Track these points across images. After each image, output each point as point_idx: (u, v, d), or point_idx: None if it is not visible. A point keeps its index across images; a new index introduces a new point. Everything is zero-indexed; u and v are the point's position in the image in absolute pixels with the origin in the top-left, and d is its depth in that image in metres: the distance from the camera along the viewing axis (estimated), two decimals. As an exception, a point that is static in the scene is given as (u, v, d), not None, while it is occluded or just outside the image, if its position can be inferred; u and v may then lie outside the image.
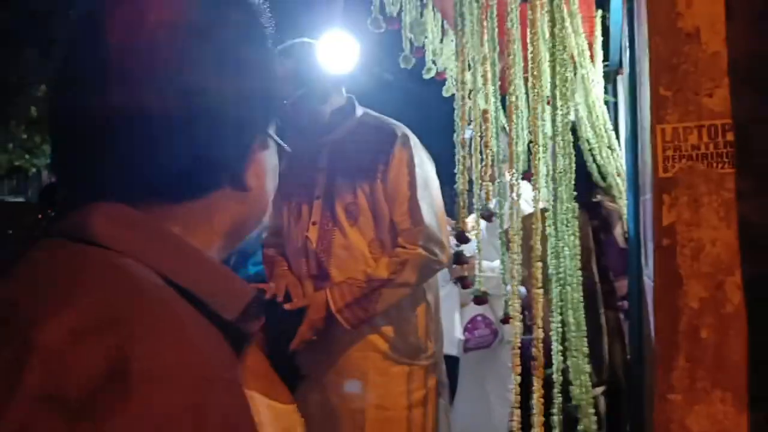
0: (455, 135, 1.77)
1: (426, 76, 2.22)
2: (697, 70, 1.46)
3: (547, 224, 1.69)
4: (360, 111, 2.15)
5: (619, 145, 2.63)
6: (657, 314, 1.50)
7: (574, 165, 1.75)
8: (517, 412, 1.58)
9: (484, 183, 1.73)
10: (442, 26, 2.30)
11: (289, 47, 2.01)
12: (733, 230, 1.44)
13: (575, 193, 1.76)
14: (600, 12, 2.85)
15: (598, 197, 2.38)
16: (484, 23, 1.82)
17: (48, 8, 12.78)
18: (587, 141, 2.41)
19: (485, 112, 1.79)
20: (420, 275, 1.97)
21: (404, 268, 1.93)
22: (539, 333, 1.58)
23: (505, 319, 1.92)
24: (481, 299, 1.87)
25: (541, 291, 1.60)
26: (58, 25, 12.83)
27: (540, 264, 1.62)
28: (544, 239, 1.60)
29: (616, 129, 2.84)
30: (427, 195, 1.97)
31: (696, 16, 1.46)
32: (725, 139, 1.45)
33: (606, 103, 2.73)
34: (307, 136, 2.12)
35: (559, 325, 1.74)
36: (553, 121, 1.74)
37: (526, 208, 2.90)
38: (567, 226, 1.75)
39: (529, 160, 1.80)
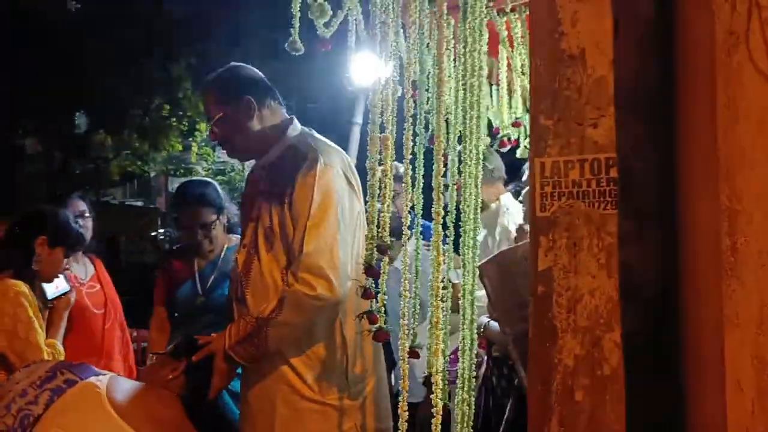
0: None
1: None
2: (581, 97, 1.29)
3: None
4: (294, 132, 2.10)
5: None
6: (530, 369, 1.34)
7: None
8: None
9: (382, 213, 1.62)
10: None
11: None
12: (613, 279, 1.26)
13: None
14: None
15: None
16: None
17: (166, 27, 13.69)
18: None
19: (386, 138, 1.68)
20: (301, 313, 1.84)
21: (282, 306, 1.82)
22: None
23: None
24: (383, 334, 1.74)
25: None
26: (173, 42, 13.68)
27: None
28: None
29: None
30: (325, 222, 1.85)
31: (581, 35, 1.30)
32: (609, 175, 1.27)
33: None
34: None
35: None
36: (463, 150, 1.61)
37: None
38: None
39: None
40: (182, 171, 17.85)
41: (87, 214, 3.04)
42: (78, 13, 15.23)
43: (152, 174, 18.43)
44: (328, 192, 1.89)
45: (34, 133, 15.47)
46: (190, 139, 16.02)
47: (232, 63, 2.24)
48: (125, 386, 1.81)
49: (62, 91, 14.07)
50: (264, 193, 2.05)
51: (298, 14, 1.82)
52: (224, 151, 2.29)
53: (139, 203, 20.47)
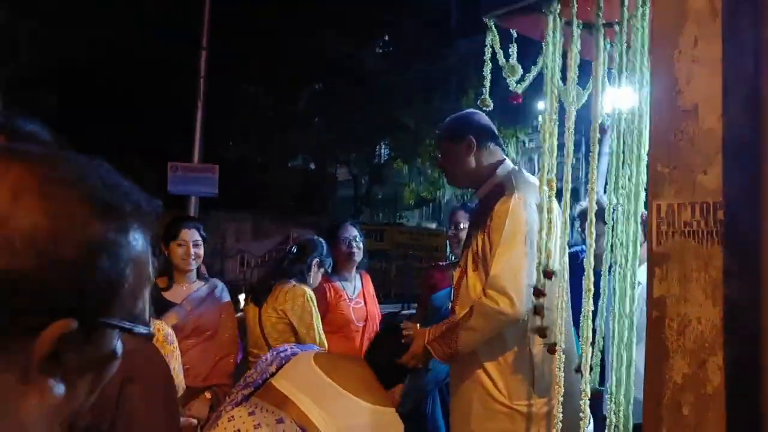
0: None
1: None
2: (693, 147, 1.47)
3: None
4: (503, 171, 2.40)
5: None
6: (646, 383, 1.53)
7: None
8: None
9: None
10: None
11: None
12: (718, 309, 1.41)
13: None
14: None
15: None
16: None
17: (458, 61, 14.79)
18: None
19: (551, 181, 1.95)
20: (485, 323, 2.13)
21: (471, 314, 2.14)
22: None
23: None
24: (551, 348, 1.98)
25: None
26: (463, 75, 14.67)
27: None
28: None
29: None
30: (512, 249, 2.11)
31: (694, 92, 1.48)
32: (716, 217, 1.43)
33: None
34: None
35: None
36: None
37: None
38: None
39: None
40: (470, 196, 18.79)
41: (358, 239, 3.67)
42: (381, 53, 17.11)
43: (445, 199, 19.61)
44: (518, 221, 2.19)
45: (345, 163, 17.69)
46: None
47: (469, 110, 2.61)
48: (336, 357, 2.36)
49: (368, 126, 15.95)
50: (474, 223, 2.44)
51: (489, 76, 2.20)
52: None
53: (433, 225, 22.00)
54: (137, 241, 0.56)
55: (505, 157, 2.50)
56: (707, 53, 1.46)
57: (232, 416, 2.12)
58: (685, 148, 1.48)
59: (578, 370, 1.98)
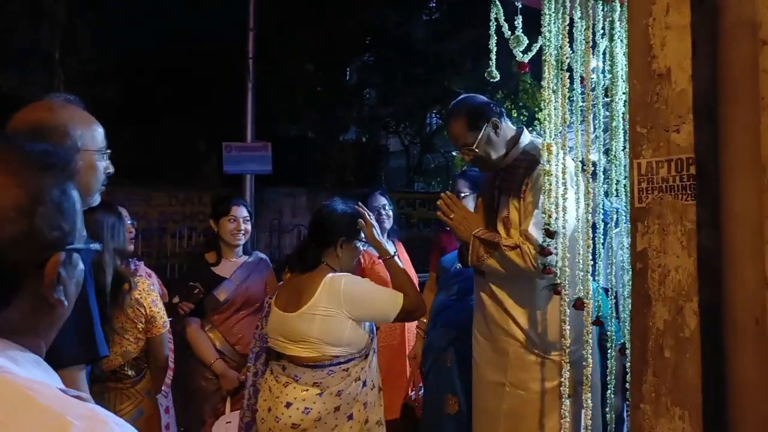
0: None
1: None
2: (667, 108, 1.57)
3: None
4: (525, 140, 2.52)
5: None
6: (632, 330, 1.65)
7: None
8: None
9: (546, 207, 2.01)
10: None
11: None
12: (693, 258, 1.52)
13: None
14: None
15: None
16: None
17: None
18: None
19: (549, 146, 2.05)
20: (519, 262, 2.31)
21: (512, 248, 2.33)
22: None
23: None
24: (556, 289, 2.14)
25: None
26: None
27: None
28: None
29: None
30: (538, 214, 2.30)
31: (668, 56, 1.57)
32: (689, 172, 1.53)
33: None
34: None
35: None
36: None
37: None
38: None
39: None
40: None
41: (387, 207, 3.83)
42: (428, 21, 17.03)
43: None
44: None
45: (396, 133, 17.80)
46: (530, 128, 16.68)
47: (464, 95, 2.69)
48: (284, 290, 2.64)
49: (417, 96, 15.98)
50: (502, 189, 2.53)
51: (494, 49, 2.31)
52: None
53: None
54: (72, 190, 0.81)
55: (518, 126, 2.62)
56: (677, 20, 1.55)
57: (270, 388, 2.40)
58: (661, 109, 1.58)
59: (596, 322, 2.11)
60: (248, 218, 3.46)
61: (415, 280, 3.87)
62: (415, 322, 3.42)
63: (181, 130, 12.73)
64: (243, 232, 3.42)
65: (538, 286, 2.41)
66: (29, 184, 0.75)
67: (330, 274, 2.46)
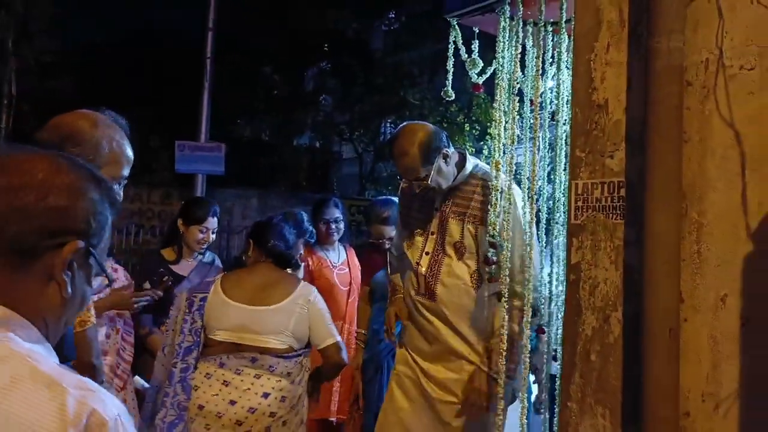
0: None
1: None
2: (604, 135, 1.74)
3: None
4: (470, 164, 2.57)
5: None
6: (564, 336, 1.81)
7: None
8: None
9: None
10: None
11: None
12: (619, 272, 1.69)
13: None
14: None
15: None
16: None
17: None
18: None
19: (497, 162, 2.22)
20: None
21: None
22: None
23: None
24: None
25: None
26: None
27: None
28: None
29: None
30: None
31: (606, 89, 1.74)
32: (619, 194, 1.70)
33: None
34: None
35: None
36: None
37: None
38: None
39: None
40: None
41: (339, 219, 3.92)
42: (387, 32, 17.25)
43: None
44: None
45: (350, 141, 17.91)
46: (481, 142, 17.03)
47: (411, 124, 2.63)
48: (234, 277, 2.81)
49: (373, 104, 16.15)
50: (451, 213, 2.54)
51: (452, 69, 2.46)
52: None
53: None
54: (110, 214, 0.94)
55: (459, 150, 2.66)
56: (616, 57, 1.72)
57: (225, 382, 2.50)
58: (598, 136, 1.75)
59: (539, 330, 2.27)
60: (216, 229, 3.51)
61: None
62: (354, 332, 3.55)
63: (134, 125, 12.55)
64: (210, 241, 3.48)
65: (487, 308, 2.50)
66: (81, 182, 0.90)
67: (305, 283, 2.72)
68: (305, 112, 16.50)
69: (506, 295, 2.28)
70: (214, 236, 3.48)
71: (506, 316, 2.31)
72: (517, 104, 2.23)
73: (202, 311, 2.59)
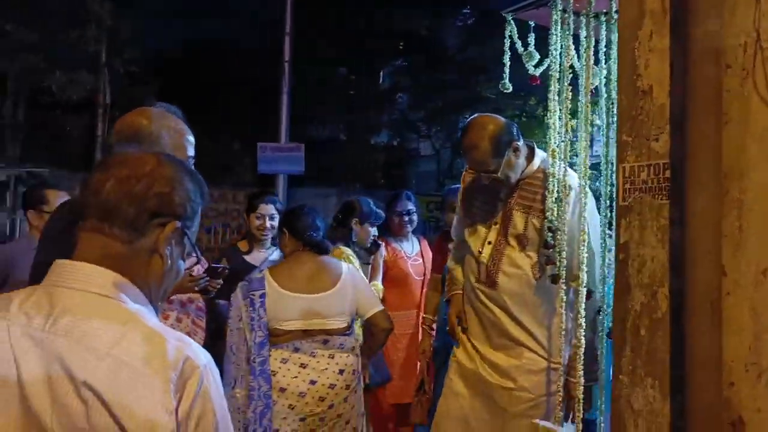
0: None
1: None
2: (649, 120, 1.81)
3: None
4: (538, 158, 2.65)
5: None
6: (614, 312, 1.90)
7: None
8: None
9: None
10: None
11: None
12: (665, 250, 1.76)
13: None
14: None
15: None
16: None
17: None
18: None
19: (553, 150, 2.31)
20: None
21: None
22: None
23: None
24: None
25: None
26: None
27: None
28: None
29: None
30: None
31: (650, 75, 1.82)
32: (664, 175, 1.77)
33: None
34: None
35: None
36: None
37: None
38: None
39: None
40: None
41: (412, 212, 4.08)
42: (461, 27, 17.27)
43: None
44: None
45: (427, 137, 18.04)
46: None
47: (482, 116, 2.70)
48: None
49: (448, 100, 16.23)
50: (517, 205, 2.61)
51: (508, 63, 2.57)
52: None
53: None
54: (201, 202, 1.15)
55: (528, 142, 2.73)
56: (659, 44, 1.79)
57: (302, 365, 2.74)
58: (643, 121, 1.83)
59: (599, 312, 2.36)
60: (275, 215, 3.75)
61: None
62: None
63: (217, 129, 13.13)
64: (269, 228, 3.72)
65: (548, 298, 2.59)
66: (179, 173, 1.12)
67: (341, 261, 3.00)
68: (381, 110, 16.76)
69: (564, 278, 2.37)
70: (273, 223, 3.70)
71: (564, 306, 2.42)
72: (570, 95, 2.31)
73: (264, 306, 2.82)
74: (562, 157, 2.37)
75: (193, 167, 1.25)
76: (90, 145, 12.40)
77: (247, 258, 3.70)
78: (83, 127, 12.69)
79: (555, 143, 2.36)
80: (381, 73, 18.57)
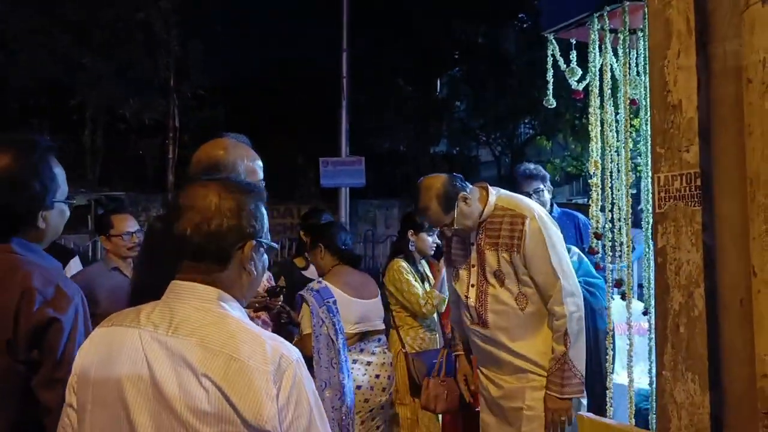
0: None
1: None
2: (679, 132, 1.95)
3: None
4: (493, 197, 2.77)
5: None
6: (656, 313, 2.03)
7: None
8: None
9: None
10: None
11: None
12: (700, 253, 1.89)
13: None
14: None
15: None
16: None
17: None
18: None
19: (596, 162, 2.44)
20: (578, 327, 2.64)
21: (566, 334, 2.62)
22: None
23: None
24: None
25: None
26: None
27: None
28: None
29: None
30: (557, 256, 2.62)
31: (679, 91, 1.95)
32: (696, 183, 1.91)
33: None
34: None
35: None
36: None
37: None
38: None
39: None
40: (616, 168, 18.44)
41: None
42: (517, 35, 17.29)
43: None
44: (550, 232, 2.68)
45: (487, 144, 18.11)
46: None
47: (428, 178, 2.86)
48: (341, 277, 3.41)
49: (507, 106, 16.27)
50: (485, 245, 2.76)
51: (552, 80, 2.73)
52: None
53: (585, 200, 21.68)
54: (265, 208, 1.37)
55: (481, 185, 2.87)
56: (686, 62, 1.93)
57: (367, 363, 3.03)
58: (674, 133, 1.97)
59: (646, 312, 2.49)
60: None
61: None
62: None
63: (281, 146, 13.59)
64: None
65: (540, 322, 2.73)
66: (239, 198, 1.34)
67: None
68: (440, 120, 16.94)
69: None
70: None
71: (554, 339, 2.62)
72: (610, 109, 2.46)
73: (339, 312, 3.08)
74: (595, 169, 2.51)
75: (262, 188, 1.44)
76: (162, 167, 13.04)
77: (306, 273, 3.94)
78: (155, 151, 13.37)
79: (596, 155, 2.50)
80: (438, 82, 18.76)
